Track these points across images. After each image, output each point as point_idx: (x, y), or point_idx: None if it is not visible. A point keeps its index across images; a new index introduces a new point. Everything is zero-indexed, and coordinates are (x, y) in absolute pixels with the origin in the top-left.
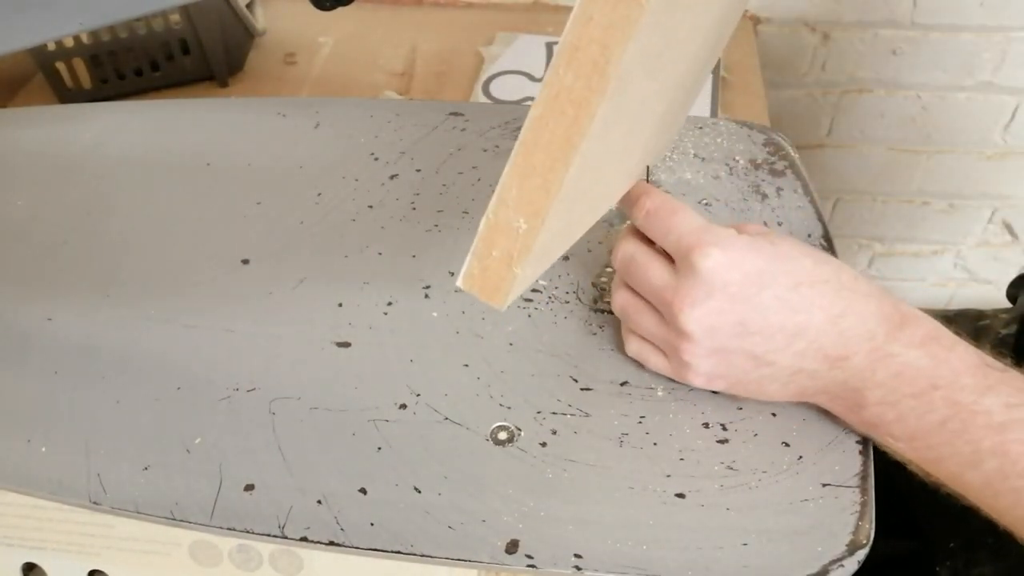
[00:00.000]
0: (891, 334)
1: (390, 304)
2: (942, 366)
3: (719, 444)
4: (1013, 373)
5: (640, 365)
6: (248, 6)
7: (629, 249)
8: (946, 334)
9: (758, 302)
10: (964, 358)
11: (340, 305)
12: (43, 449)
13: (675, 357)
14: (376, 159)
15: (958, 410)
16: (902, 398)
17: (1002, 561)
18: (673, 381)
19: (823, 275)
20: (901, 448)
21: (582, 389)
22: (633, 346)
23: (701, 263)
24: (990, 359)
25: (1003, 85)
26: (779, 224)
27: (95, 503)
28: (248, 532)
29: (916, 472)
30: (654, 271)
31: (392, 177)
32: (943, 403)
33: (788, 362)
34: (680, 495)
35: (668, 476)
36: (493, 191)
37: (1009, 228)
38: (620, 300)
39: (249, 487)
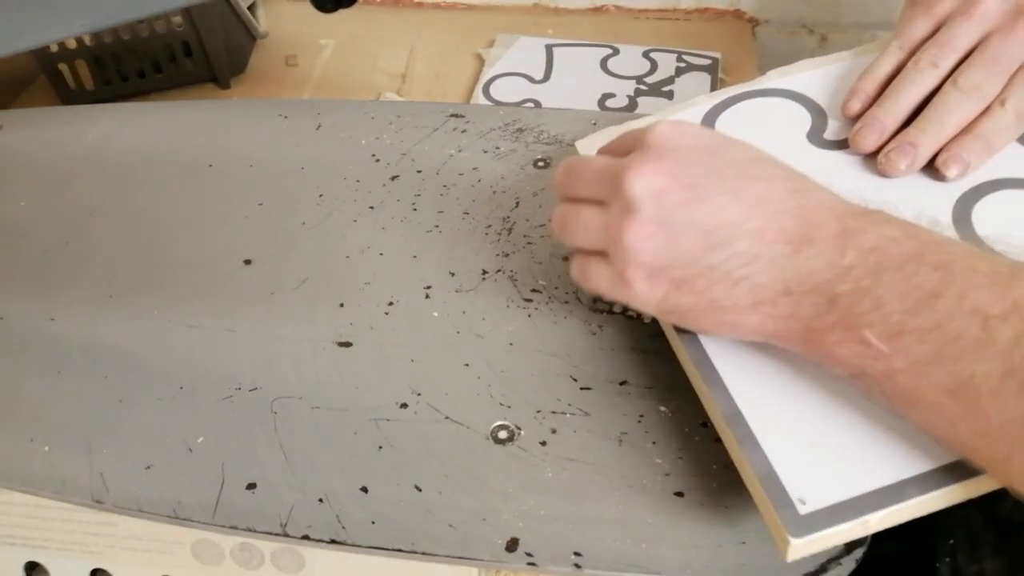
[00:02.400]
0: (857, 215)
1: (391, 304)
2: (924, 235)
3: (718, 443)
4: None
5: (640, 364)
6: (250, 8)
7: (568, 160)
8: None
9: (714, 166)
10: (948, 236)
11: (341, 305)
12: (46, 448)
13: (615, 248)
14: (377, 160)
15: (952, 271)
16: (880, 276)
17: (1003, 556)
18: (673, 381)
19: (775, 158)
20: (880, 367)
21: (582, 389)
22: (575, 262)
23: (652, 131)
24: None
25: None
26: None
27: (98, 502)
28: (250, 531)
29: (900, 414)
30: (600, 160)
31: (393, 178)
32: (931, 268)
33: (742, 245)
34: (679, 494)
35: (667, 475)
36: (494, 193)
37: None
38: (559, 212)
39: (251, 486)
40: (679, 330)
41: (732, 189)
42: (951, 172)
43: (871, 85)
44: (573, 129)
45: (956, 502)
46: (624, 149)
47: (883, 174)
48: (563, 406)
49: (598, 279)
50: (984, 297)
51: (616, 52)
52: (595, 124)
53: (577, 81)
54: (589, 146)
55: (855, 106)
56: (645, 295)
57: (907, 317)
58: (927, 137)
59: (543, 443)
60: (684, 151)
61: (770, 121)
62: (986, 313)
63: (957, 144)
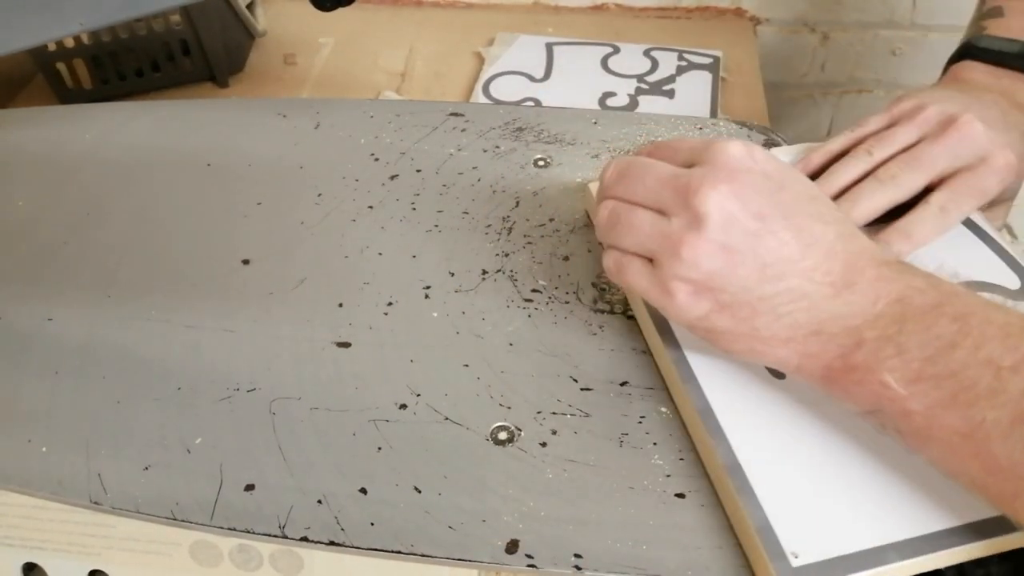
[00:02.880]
0: (891, 265)
1: (390, 304)
2: (945, 287)
3: None
4: None
5: (641, 365)
6: (248, 7)
7: (625, 160)
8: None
9: (779, 199)
10: (966, 288)
11: (340, 305)
12: (43, 449)
13: (668, 258)
14: (376, 159)
15: (968, 323)
16: (904, 324)
17: (1009, 561)
18: None
19: (827, 198)
20: (897, 407)
21: (582, 389)
22: (612, 256)
23: (725, 150)
24: None
25: None
26: None
27: (95, 503)
28: (248, 532)
29: (912, 448)
30: (662, 167)
31: (392, 177)
32: (950, 320)
33: (794, 282)
34: (680, 495)
35: (668, 476)
36: (494, 192)
37: (1009, 228)
38: (608, 208)
39: (249, 487)
40: (684, 378)
41: (794, 226)
42: None
43: (817, 160)
44: (573, 128)
45: (935, 568)
46: (678, 156)
47: None
48: (563, 407)
49: (637, 278)
50: (997, 349)
51: (617, 51)
52: (596, 123)
53: (577, 80)
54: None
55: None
56: (686, 308)
57: (926, 364)
58: None
59: (543, 444)
60: (755, 177)
61: None
62: (999, 364)
63: (884, 233)
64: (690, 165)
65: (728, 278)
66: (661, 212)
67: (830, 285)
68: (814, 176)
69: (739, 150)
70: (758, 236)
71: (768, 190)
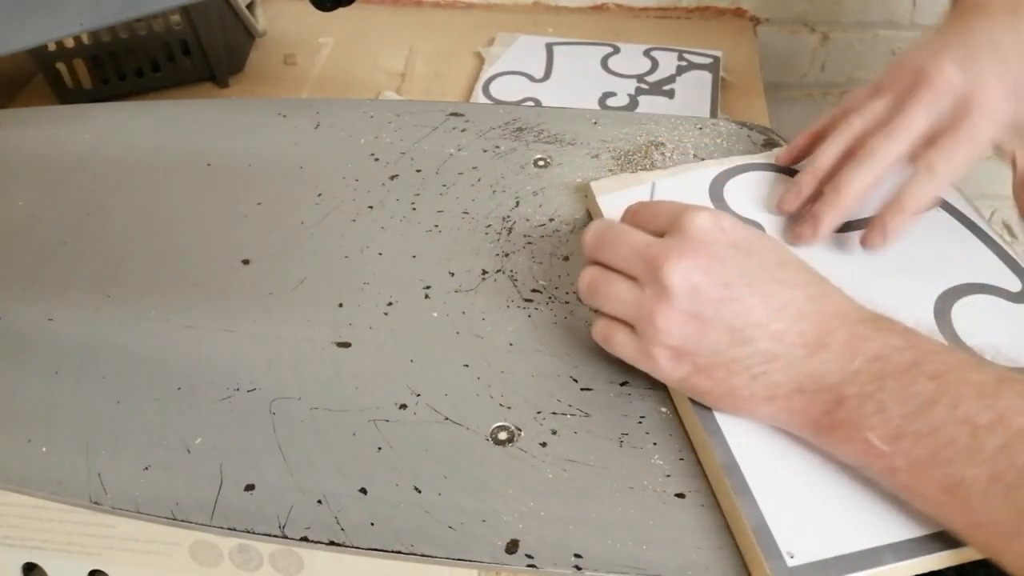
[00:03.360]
0: (866, 322)
1: (390, 304)
2: (923, 344)
3: None
4: (1001, 365)
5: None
6: (248, 7)
7: (602, 225)
8: (921, 331)
9: (746, 267)
10: (944, 343)
11: (340, 305)
12: (43, 449)
13: (645, 326)
14: (376, 159)
15: (946, 381)
16: (883, 382)
17: None
18: None
19: (800, 260)
20: (882, 464)
21: (582, 389)
22: (599, 325)
23: (692, 221)
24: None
25: None
26: None
27: (95, 503)
28: (248, 532)
29: (903, 500)
30: (636, 236)
31: (392, 177)
32: (927, 378)
33: (764, 345)
34: (680, 495)
35: (668, 476)
36: (494, 192)
37: (1008, 228)
38: (589, 276)
39: (249, 487)
40: None
41: (761, 292)
42: (871, 242)
43: (801, 142)
44: (573, 128)
45: (930, 570)
46: (656, 222)
47: (792, 244)
48: (563, 407)
49: (623, 348)
50: (973, 408)
51: (617, 51)
52: (596, 123)
53: (578, 80)
54: (605, 189)
55: (782, 156)
56: (668, 372)
57: (906, 421)
58: (827, 207)
59: (543, 444)
60: (720, 247)
61: (775, 196)
62: (975, 423)
63: (878, 215)
64: (665, 231)
65: (700, 343)
66: (635, 279)
67: (803, 346)
68: (800, 157)
69: (706, 221)
70: (723, 303)
71: (734, 259)
